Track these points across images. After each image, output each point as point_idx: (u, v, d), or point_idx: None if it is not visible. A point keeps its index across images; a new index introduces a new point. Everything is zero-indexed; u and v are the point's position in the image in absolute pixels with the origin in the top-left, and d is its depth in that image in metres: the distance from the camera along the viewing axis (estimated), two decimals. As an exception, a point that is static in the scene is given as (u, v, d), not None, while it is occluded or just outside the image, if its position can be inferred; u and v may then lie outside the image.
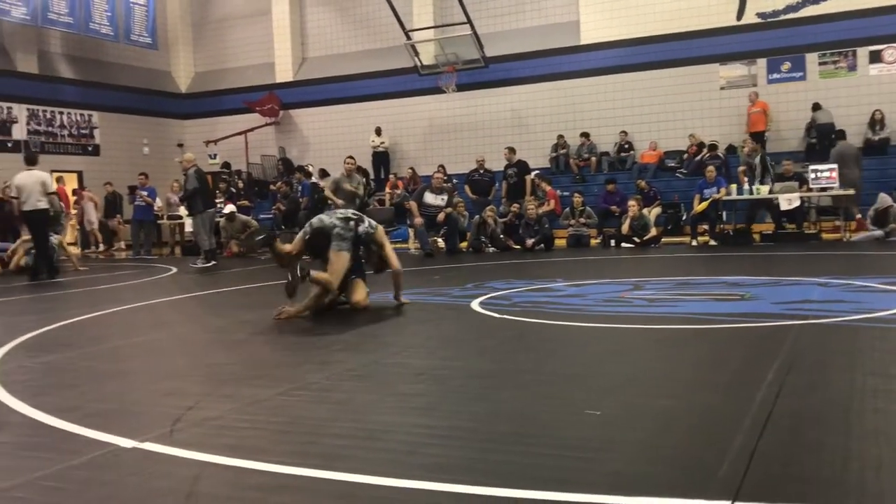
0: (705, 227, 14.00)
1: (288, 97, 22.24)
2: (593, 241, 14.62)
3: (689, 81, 18.07)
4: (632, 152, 18.39)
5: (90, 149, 21.58)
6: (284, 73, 22.60)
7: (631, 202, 14.01)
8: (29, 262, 13.27)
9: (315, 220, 6.79)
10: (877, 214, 13.14)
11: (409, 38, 18.63)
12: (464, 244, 14.42)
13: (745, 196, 13.80)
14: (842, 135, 14.87)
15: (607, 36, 18.69)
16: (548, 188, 15.95)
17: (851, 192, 13.32)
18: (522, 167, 15.95)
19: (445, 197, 14.14)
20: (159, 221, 18.38)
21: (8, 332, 6.14)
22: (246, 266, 13.04)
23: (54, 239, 12.61)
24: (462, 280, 8.97)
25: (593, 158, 18.69)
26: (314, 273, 6.50)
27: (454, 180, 17.05)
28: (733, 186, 13.89)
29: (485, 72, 18.91)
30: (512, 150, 16.23)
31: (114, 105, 21.91)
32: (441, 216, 13.89)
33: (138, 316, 7.40)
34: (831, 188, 13.22)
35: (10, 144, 19.45)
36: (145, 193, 17.55)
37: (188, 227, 17.44)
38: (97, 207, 19.27)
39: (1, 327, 6.75)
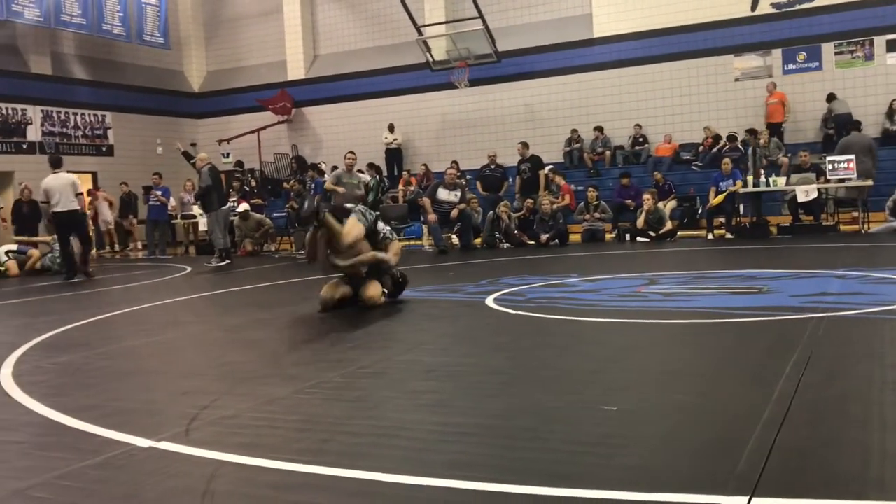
0: (721, 220, 13.91)
1: (300, 95, 22.27)
2: (608, 236, 14.56)
3: (704, 73, 17.96)
4: (646, 145, 18.29)
5: (104, 149, 21.70)
6: (296, 70, 22.63)
7: (646, 196, 13.94)
8: (46, 264, 13.39)
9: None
10: (895, 205, 13.02)
11: (420, 33, 18.60)
12: (478, 240, 14.39)
13: (762, 188, 13.70)
14: (856, 126, 14.73)
15: (620, 29, 18.59)
16: (562, 183, 15.90)
17: (869, 182, 13.20)
18: (536, 162, 15.90)
19: (459, 193, 14.13)
20: (173, 221, 18.47)
21: (24, 333, 6.19)
22: (260, 265, 13.08)
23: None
24: (476, 276, 8.95)
25: (607, 152, 18.61)
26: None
27: (467, 176, 17.03)
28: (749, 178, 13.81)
29: (497, 66, 18.86)
30: (525, 145, 16.18)
31: (127, 105, 22.02)
32: (454, 212, 13.88)
33: (154, 315, 7.43)
34: (849, 179, 13.10)
35: (25, 146, 19.59)
36: (160, 193, 17.64)
37: (202, 227, 17.53)
38: (112, 207, 19.39)
39: (18, 328, 6.80)
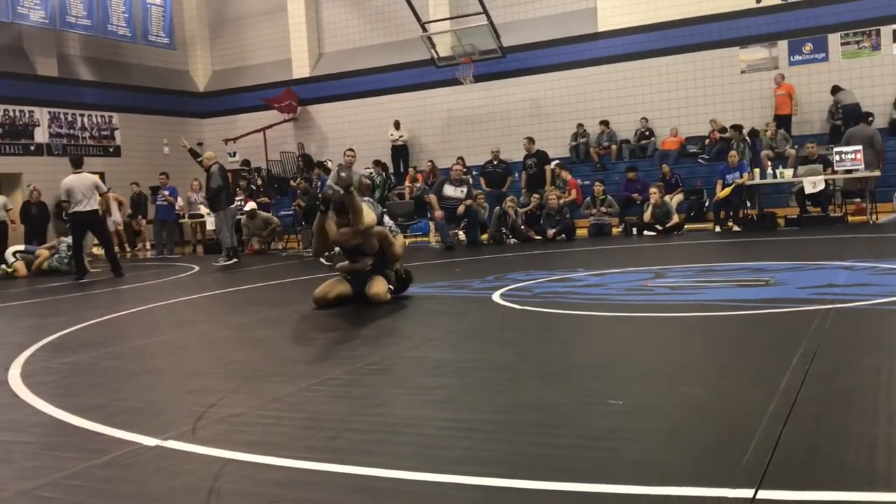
0: (729, 212, 13.86)
1: (305, 93, 22.28)
2: (615, 230, 14.54)
3: (709, 66, 17.89)
4: (652, 139, 18.24)
5: (111, 150, 21.76)
6: (301, 69, 22.64)
7: (653, 189, 13.91)
8: (53, 264, 13.45)
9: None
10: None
11: (425, 30, 18.58)
12: (484, 236, 14.38)
13: (769, 181, 13.66)
14: (864, 117, 14.64)
15: (625, 22, 18.54)
16: (568, 177, 15.87)
17: (877, 173, 13.14)
18: (542, 157, 15.89)
19: (465, 189, 14.12)
20: (181, 221, 18.51)
21: (33, 333, 6.21)
22: (267, 263, 13.10)
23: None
24: (483, 272, 8.95)
25: (613, 146, 18.57)
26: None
27: (473, 172, 17.02)
28: (756, 171, 13.76)
29: (502, 62, 18.82)
30: (531, 140, 16.17)
31: (133, 106, 22.07)
32: (461, 208, 13.87)
33: (161, 315, 7.45)
34: (856, 170, 13.05)
35: (32, 147, 19.66)
36: (167, 193, 17.69)
37: (209, 226, 17.57)
38: (122, 208, 19.43)
39: (26, 329, 6.83)
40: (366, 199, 7.03)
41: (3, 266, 13.48)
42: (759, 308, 5.29)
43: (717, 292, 6.23)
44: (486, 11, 17.68)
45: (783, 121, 16.49)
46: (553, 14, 19.69)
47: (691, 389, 3.47)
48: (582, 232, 14.43)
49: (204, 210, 17.59)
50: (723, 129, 16.84)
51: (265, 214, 16.84)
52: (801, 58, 17.21)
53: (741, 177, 13.56)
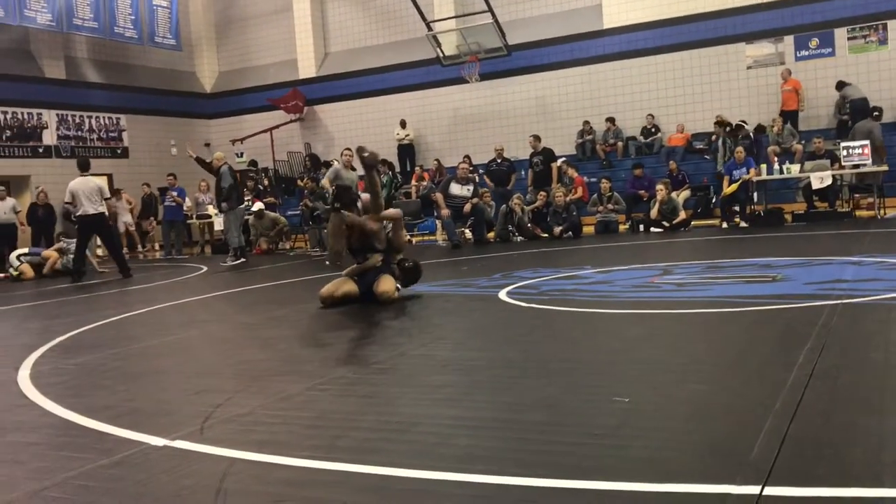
0: (736, 208, 13.82)
1: (312, 93, 22.31)
2: (622, 227, 14.52)
3: (716, 62, 17.84)
4: (659, 135, 18.20)
5: (119, 151, 21.83)
6: (307, 69, 22.67)
7: (659, 186, 13.88)
8: (66, 264, 13.49)
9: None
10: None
11: (430, 28, 18.58)
12: (491, 234, 14.38)
13: (776, 176, 13.62)
14: (871, 112, 14.56)
15: (630, 19, 18.51)
16: (575, 175, 15.85)
17: (885, 168, 13.09)
18: (548, 155, 15.88)
19: (471, 187, 14.12)
20: (189, 221, 18.57)
21: (42, 335, 6.24)
22: (275, 263, 13.13)
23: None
24: (489, 270, 8.95)
25: (620, 143, 18.54)
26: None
27: (479, 170, 17.01)
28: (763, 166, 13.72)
29: (508, 60, 18.82)
30: (537, 138, 16.16)
31: (141, 107, 22.14)
32: (467, 207, 13.87)
33: (169, 315, 7.48)
34: (864, 164, 13.00)
35: (41, 150, 19.74)
36: (175, 194, 17.75)
37: (217, 226, 17.63)
38: (133, 209, 19.50)
39: (35, 331, 6.86)
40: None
41: (11, 270, 13.54)
42: (766, 304, 5.28)
43: (724, 289, 6.22)
44: (491, 10, 17.67)
45: (790, 116, 16.43)
46: (558, 11, 19.67)
47: (698, 386, 3.47)
48: (588, 229, 14.42)
49: (212, 211, 17.64)
50: (738, 126, 16.69)
51: (273, 214, 16.89)
52: (807, 53, 17.14)
53: (748, 172, 13.52)
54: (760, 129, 16.60)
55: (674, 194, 14.25)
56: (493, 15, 17.76)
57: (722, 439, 2.72)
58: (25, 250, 14.25)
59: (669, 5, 18.08)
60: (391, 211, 7.30)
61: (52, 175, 19.14)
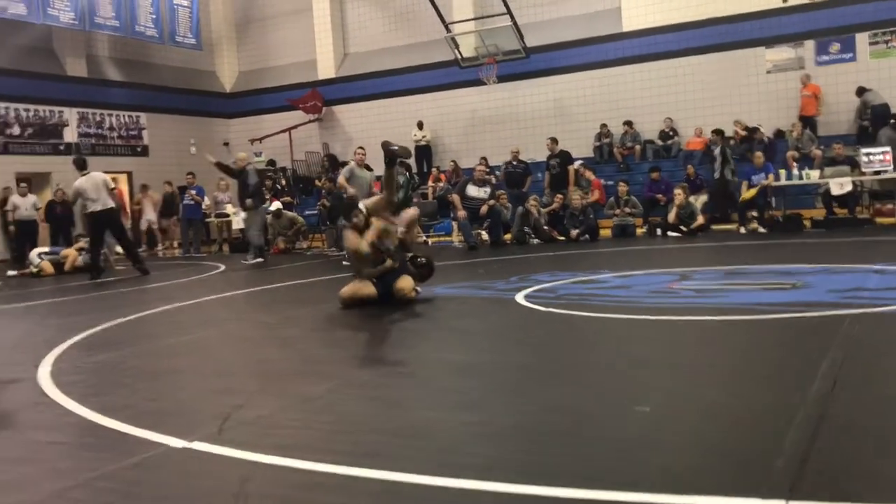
0: (754, 213, 13.73)
1: (330, 93, 22.36)
2: (639, 231, 14.46)
3: (735, 66, 17.72)
4: (676, 139, 18.12)
5: (139, 149, 21.98)
6: (326, 69, 22.72)
7: (677, 190, 13.81)
8: (87, 261, 13.58)
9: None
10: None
11: (449, 30, 18.58)
12: (507, 236, 14.36)
13: (795, 182, 13.52)
14: (889, 119, 14.43)
15: (650, 22, 18.43)
16: (592, 178, 15.80)
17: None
18: (565, 157, 15.85)
19: (488, 189, 14.10)
20: (207, 220, 18.67)
21: (63, 332, 6.27)
22: (293, 262, 13.17)
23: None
24: (506, 273, 8.93)
25: (637, 146, 18.47)
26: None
27: (496, 172, 16.99)
28: (782, 172, 13.63)
29: (526, 62, 18.79)
30: (554, 141, 16.13)
31: (161, 106, 22.27)
32: (484, 208, 13.86)
33: (188, 314, 7.51)
34: (885, 171, 12.88)
35: (62, 147, 19.89)
36: (194, 192, 17.86)
37: (235, 225, 17.70)
38: (156, 207, 19.60)
39: (56, 327, 6.90)
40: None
41: (32, 267, 13.65)
42: (786, 312, 5.24)
43: (743, 296, 6.17)
44: (509, 12, 17.66)
45: (809, 121, 16.31)
46: (577, 14, 19.61)
47: (719, 395, 3.45)
48: (605, 232, 14.37)
49: (230, 209, 17.72)
50: (751, 129, 16.66)
51: (291, 214, 16.94)
52: (828, 58, 17.00)
53: (767, 178, 13.43)
54: (779, 133, 16.51)
55: (691, 198, 14.18)
56: (512, 17, 17.75)
57: (745, 450, 2.69)
58: (46, 249, 14.36)
59: (689, 9, 17.99)
60: (408, 212, 7.29)
61: (73, 173, 19.13)
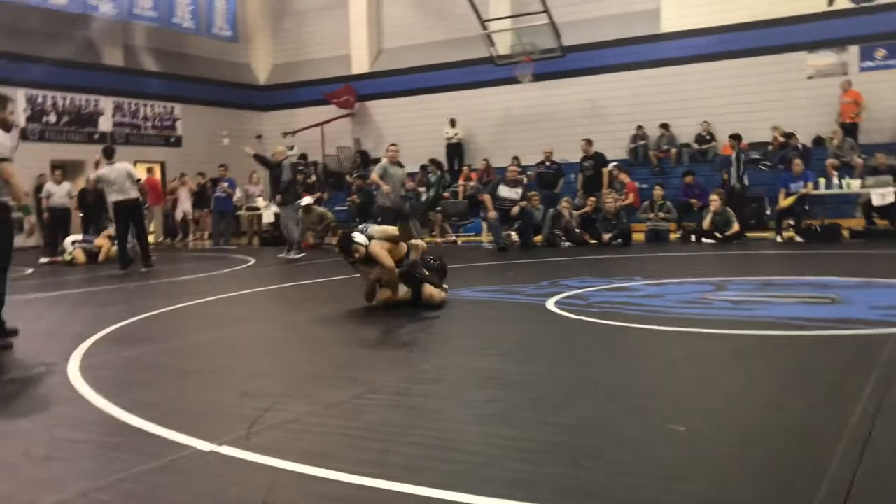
0: (790, 221, 13.49)
1: (363, 89, 22.38)
2: (672, 235, 14.27)
3: (775, 70, 17.44)
4: (713, 143, 17.87)
5: (172, 140, 22.16)
6: (360, 64, 22.74)
7: (713, 196, 13.59)
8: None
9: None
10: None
11: (485, 27, 18.49)
12: (538, 238, 14.24)
13: (834, 191, 13.26)
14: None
15: (689, 24, 18.20)
16: (627, 180, 15.62)
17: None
18: (599, 159, 15.70)
19: (520, 190, 13.98)
20: (238, 212, 18.76)
21: (92, 324, 6.29)
22: (322, 258, 13.17)
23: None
24: (536, 277, 8.83)
25: (673, 150, 18.25)
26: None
27: (528, 172, 16.88)
28: (822, 180, 13.38)
29: (562, 61, 18.63)
30: (589, 142, 15.97)
31: (195, 97, 22.44)
32: (515, 209, 13.75)
33: (217, 309, 7.51)
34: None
35: (96, 136, 20.10)
36: (226, 185, 17.95)
37: (265, 219, 17.77)
38: (191, 196, 19.74)
39: (85, 319, 6.93)
40: (358, 230, 6.89)
41: (65, 255, 13.79)
42: (826, 328, 5.10)
43: (780, 309, 6.03)
44: (547, 10, 17.51)
45: (851, 129, 15.99)
46: (615, 14, 19.42)
47: (756, 415, 3.35)
48: (638, 236, 14.20)
49: (261, 203, 17.79)
50: (787, 135, 16.42)
51: (321, 209, 16.96)
52: (872, 64, 16.67)
53: (805, 186, 13.18)
54: (819, 141, 16.21)
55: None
56: (550, 16, 17.59)
57: (785, 475, 2.60)
58: (80, 237, 14.49)
59: (729, 11, 17.73)
60: (418, 244, 7.03)
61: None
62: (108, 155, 11.79)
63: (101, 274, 11.53)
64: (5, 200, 5.56)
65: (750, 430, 3.15)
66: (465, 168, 19.50)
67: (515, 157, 17.56)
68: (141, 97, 21.34)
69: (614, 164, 16.37)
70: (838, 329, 5.06)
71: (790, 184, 13.42)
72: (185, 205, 19.48)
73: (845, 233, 13.02)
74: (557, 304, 6.60)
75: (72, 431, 3.50)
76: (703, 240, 13.33)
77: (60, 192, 16.41)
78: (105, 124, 20.53)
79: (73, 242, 14.03)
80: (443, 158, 20.22)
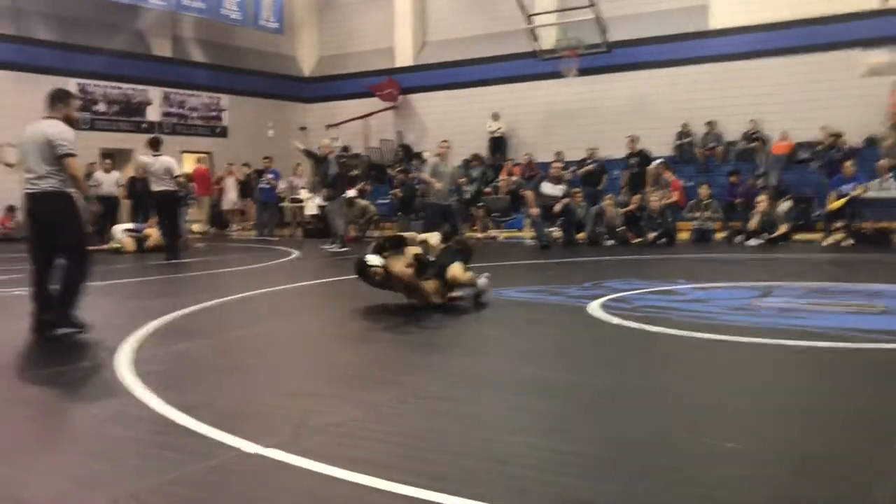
0: (839, 224, 13.20)
1: (407, 82, 22.38)
2: (718, 235, 14.06)
3: (826, 68, 17.02)
4: (760, 142, 17.54)
5: (218, 130, 22.41)
6: (404, 57, 22.75)
7: (761, 196, 13.36)
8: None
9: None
10: None
11: (530, 22, 18.36)
12: (581, 235, 14.15)
13: (888, 193, 12.95)
14: None
15: (738, 21, 17.87)
16: (671, 178, 15.42)
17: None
18: (644, 156, 15.53)
19: (563, 187, 13.90)
20: (281, 204, 18.94)
21: (140, 316, 6.37)
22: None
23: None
24: (579, 277, 8.75)
25: (719, 148, 17.98)
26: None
27: (571, 168, 16.75)
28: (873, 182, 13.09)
29: (607, 56, 18.40)
30: (634, 139, 15.79)
31: (241, 88, 22.66)
32: (557, 206, 13.66)
33: (261, 303, 7.59)
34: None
35: (144, 125, 20.40)
36: (271, 176, 18.13)
37: (308, 210, 17.90)
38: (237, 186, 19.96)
39: (134, 311, 7.04)
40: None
41: (113, 243, 14.03)
42: (877, 341, 4.98)
43: (829, 318, 5.91)
44: (594, 5, 17.32)
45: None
46: (663, 10, 19.14)
47: (807, 435, 3.28)
48: (683, 235, 14.02)
49: (304, 195, 17.92)
50: (834, 135, 16.05)
51: (363, 203, 17.04)
52: (928, 63, 16.20)
53: (856, 188, 12.90)
54: (871, 141, 15.83)
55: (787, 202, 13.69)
56: (596, 10, 17.41)
57: (843, 500, 2.55)
58: (131, 225, 14.74)
59: (780, 8, 17.35)
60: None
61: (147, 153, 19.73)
62: (154, 146, 12.00)
63: (148, 264, 11.71)
64: (72, 192, 5.76)
65: (800, 450, 3.09)
66: (507, 163, 19.42)
67: (558, 153, 17.47)
68: (188, 87, 21.60)
69: (659, 161, 16.17)
70: (890, 342, 4.94)
71: (841, 186, 13.14)
72: (231, 195, 19.70)
73: (895, 237, 12.70)
74: (601, 306, 6.54)
75: (122, 428, 3.55)
76: (750, 241, 13.12)
77: (109, 181, 16.70)
78: (153, 114, 20.83)
79: (125, 230, 14.27)
80: (485, 152, 20.17)
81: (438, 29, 22.69)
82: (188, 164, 20.37)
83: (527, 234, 14.92)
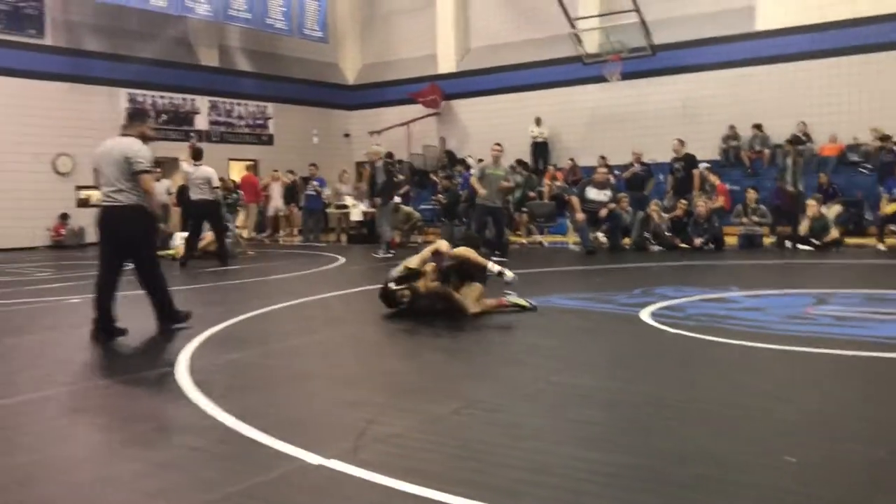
0: (893, 228, 12.93)
1: (450, 88, 22.47)
2: (766, 241, 13.86)
3: (877, 70, 16.70)
4: (809, 144, 17.25)
5: (264, 138, 22.73)
6: (447, 63, 22.84)
7: (811, 201, 13.13)
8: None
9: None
10: None
11: (573, 26, 18.31)
12: (626, 241, 14.05)
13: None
14: None
15: (785, 22, 17.62)
16: (717, 182, 15.24)
17: None
18: (690, 160, 15.36)
19: (609, 192, 13.81)
20: (327, 210, 19.13)
21: (195, 325, 6.49)
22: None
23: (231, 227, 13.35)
24: (628, 284, 8.72)
25: (766, 151, 17.72)
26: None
27: (616, 172, 16.64)
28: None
29: (651, 60, 18.30)
30: (681, 143, 15.65)
31: (287, 97, 22.97)
32: (603, 211, 13.59)
33: (312, 311, 7.68)
34: None
35: (192, 134, 20.76)
36: (317, 183, 18.34)
37: (353, 217, 18.06)
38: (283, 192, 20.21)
39: (192, 319, 7.16)
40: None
41: (168, 250, 14.28)
42: (939, 351, 4.88)
43: (889, 327, 5.80)
44: (637, 9, 17.22)
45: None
46: (708, 12, 18.95)
47: (870, 449, 3.23)
48: (730, 240, 13.83)
49: (350, 201, 18.08)
50: (884, 138, 15.71)
51: (407, 209, 17.14)
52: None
53: (911, 191, 12.64)
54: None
55: (824, 209, 13.49)
56: (640, 14, 17.30)
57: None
58: (187, 234, 14.99)
59: (827, 8, 17.07)
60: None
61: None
62: (196, 156, 12.30)
63: (202, 271, 11.88)
64: (147, 206, 6.15)
65: (864, 466, 3.06)
66: (550, 168, 19.37)
67: (602, 157, 17.37)
68: (235, 96, 21.97)
69: (705, 165, 15.99)
70: (953, 352, 4.84)
71: (893, 189, 12.88)
72: (276, 201, 19.97)
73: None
74: (653, 315, 6.50)
75: (186, 438, 3.64)
76: (800, 246, 12.90)
77: (159, 190, 16.95)
78: (201, 123, 21.21)
79: (182, 238, 14.52)
80: (528, 158, 20.13)
81: (481, 35, 22.74)
82: (235, 172, 20.68)
83: (570, 239, 14.85)
